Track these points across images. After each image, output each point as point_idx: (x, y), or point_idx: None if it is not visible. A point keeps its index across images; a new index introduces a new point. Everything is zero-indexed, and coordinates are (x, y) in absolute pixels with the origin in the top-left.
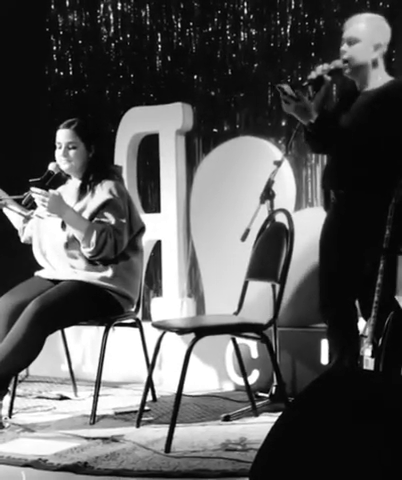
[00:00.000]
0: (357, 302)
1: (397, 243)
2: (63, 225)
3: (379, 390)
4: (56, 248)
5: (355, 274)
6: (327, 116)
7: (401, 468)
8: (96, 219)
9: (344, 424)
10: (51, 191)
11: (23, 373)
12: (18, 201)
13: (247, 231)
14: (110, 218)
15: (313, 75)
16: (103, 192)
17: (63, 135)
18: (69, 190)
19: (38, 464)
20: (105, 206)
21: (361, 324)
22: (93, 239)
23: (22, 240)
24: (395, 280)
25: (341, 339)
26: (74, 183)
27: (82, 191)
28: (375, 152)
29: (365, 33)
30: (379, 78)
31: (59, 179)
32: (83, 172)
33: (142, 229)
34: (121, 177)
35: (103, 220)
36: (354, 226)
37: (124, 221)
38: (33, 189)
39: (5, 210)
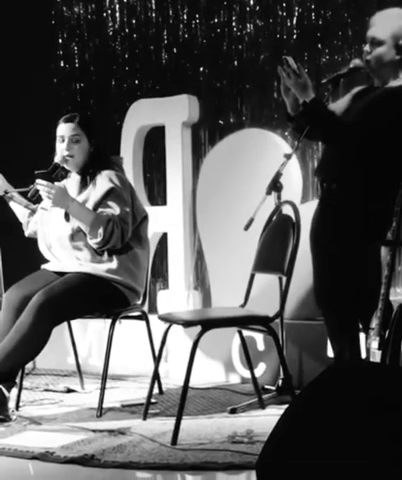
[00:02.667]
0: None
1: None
2: (66, 217)
3: (386, 383)
4: (61, 240)
5: (347, 266)
6: (323, 101)
7: None
8: (100, 209)
9: (351, 417)
10: (56, 184)
11: (30, 366)
12: (24, 194)
13: (251, 221)
14: (114, 207)
15: (333, 74)
16: (104, 181)
17: (66, 129)
18: (71, 183)
19: (45, 457)
20: (108, 195)
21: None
22: (100, 230)
23: (26, 234)
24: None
25: (338, 331)
26: (76, 176)
27: (83, 183)
28: (370, 146)
29: (390, 34)
30: (398, 79)
31: (63, 173)
32: (83, 166)
33: (145, 218)
34: (122, 167)
35: (107, 210)
36: (340, 218)
37: (128, 210)
38: (38, 181)
39: (11, 203)
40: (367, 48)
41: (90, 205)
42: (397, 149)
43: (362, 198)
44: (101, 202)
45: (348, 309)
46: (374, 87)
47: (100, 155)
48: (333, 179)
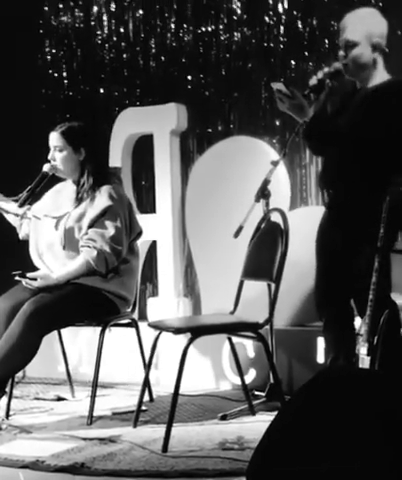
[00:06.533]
0: (353, 301)
1: (391, 241)
2: (56, 226)
3: (375, 388)
4: (53, 249)
5: (350, 272)
6: (324, 115)
7: (400, 466)
8: (95, 229)
9: (340, 423)
10: (31, 275)
11: (20, 374)
12: (15, 201)
13: (240, 228)
14: (109, 228)
15: (314, 81)
16: (103, 198)
17: (51, 138)
18: (68, 190)
19: (35, 465)
20: (105, 214)
21: (357, 323)
22: (96, 268)
23: (20, 237)
24: (390, 278)
25: (337, 337)
26: (72, 186)
27: (79, 197)
28: (368, 149)
29: (362, 34)
30: (379, 76)
31: (55, 178)
32: (77, 175)
33: (139, 233)
34: (120, 179)
35: (95, 237)
36: (346, 225)
37: (121, 226)
38: (21, 280)
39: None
40: (342, 53)
41: (86, 221)
42: (392, 147)
43: (362, 203)
44: (97, 220)
45: (349, 315)
46: (358, 89)
47: (94, 164)
48: (333, 186)
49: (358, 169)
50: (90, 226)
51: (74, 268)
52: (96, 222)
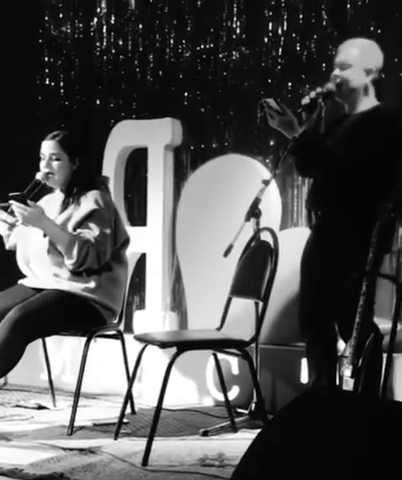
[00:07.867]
0: (336, 323)
1: (378, 266)
2: (45, 233)
3: (358, 411)
4: (40, 256)
5: (334, 294)
6: (314, 132)
7: None
8: (79, 230)
9: (322, 444)
10: (31, 203)
11: (1, 381)
12: (4, 209)
13: (230, 247)
14: (94, 229)
15: (306, 100)
16: (89, 202)
17: (47, 146)
18: (55, 199)
19: (14, 473)
20: (90, 216)
21: (340, 345)
22: (75, 251)
23: (7, 247)
24: (373, 302)
25: (319, 358)
26: (60, 194)
27: (66, 201)
28: (356, 174)
29: (357, 58)
30: (368, 103)
31: (45, 189)
32: (67, 184)
33: (127, 241)
34: (108, 187)
35: (86, 231)
36: (332, 247)
37: (108, 232)
38: (13, 202)
39: None
40: (336, 72)
41: (71, 225)
42: (381, 174)
43: (348, 227)
44: (82, 223)
45: (331, 337)
46: (346, 115)
47: (85, 174)
48: (320, 208)
49: (341, 192)
50: (75, 228)
51: (64, 233)
52: (81, 224)
